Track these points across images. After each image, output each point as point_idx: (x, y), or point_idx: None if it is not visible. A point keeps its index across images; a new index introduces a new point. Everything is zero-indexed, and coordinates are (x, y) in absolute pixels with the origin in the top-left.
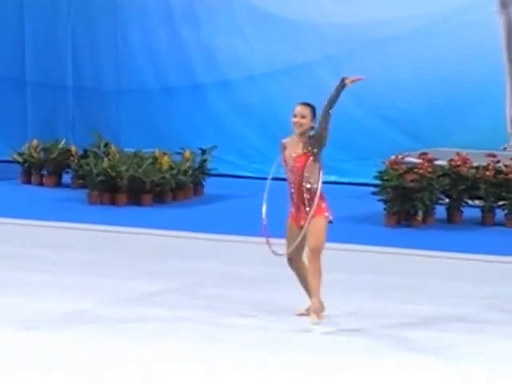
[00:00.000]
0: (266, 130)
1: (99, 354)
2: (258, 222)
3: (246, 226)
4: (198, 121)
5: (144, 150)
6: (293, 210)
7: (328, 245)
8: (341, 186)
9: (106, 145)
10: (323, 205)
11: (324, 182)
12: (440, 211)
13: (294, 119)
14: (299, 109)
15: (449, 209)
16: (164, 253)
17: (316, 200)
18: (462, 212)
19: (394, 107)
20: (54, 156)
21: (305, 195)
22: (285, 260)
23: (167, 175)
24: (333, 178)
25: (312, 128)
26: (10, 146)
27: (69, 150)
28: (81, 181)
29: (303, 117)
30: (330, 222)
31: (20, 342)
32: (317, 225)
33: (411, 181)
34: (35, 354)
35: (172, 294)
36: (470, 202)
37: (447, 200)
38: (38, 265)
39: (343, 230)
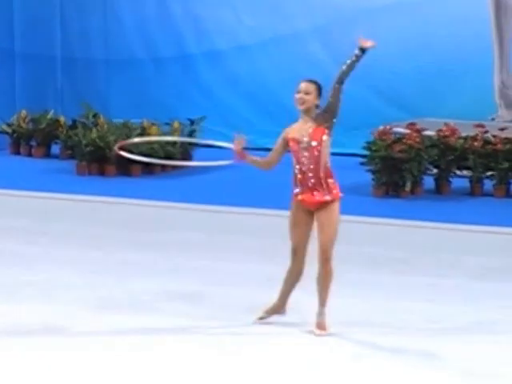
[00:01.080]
0: (254, 101)
1: (91, 324)
2: (246, 192)
3: (235, 196)
4: (187, 91)
5: (133, 121)
6: (302, 193)
7: None
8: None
9: (95, 115)
10: (335, 184)
11: None
12: (428, 182)
13: (297, 95)
14: (304, 85)
15: (437, 179)
16: (153, 223)
17: (330, 180)
18: (450, 182)
19: (382, 78)
20: (42, 127)
21: (321, 174)
22: (275, 232)
23: (156, 146)
24: None
25: (317, 106)
26: None
27: (57, 121)
28: (69, 151)
29: (307, 93)
30: None
31: (4, 314)
32: (333, 214)
33: (399, 151)
34: (21, 325)
35: (161, 264)
36: (458, 172)
37: (435, 170)
38: (27, 236)
39: None
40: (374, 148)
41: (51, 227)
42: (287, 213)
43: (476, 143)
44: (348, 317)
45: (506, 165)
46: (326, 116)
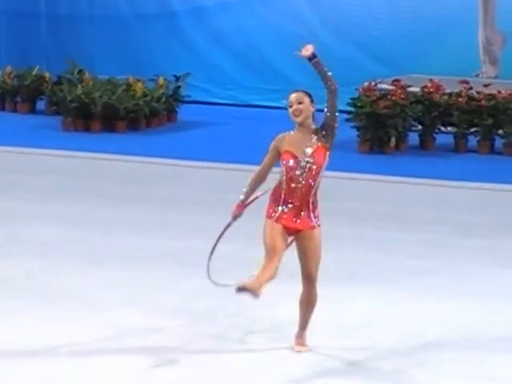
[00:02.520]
0: (239, 58)
1: (76, 278)
2: (231, 148)
3: (220, 152)
4: (172, 48)
5: (118, 77)
6: (283, 214)
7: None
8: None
9: (80, 71)
10: (318, 210)
11: None
12: (413, 138)
13: (290, 109)
14: (293, 96)
15: (422, 135)
16: (138, 179)
17: (316, 207)
18: (434, 139)
19: (367, 34)
20: (27, 83)
21: (310, 199)
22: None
23: (141, 102)
24: None
25: (313, 115)
26: None
27: (43, 77)
28: (55, 107)
29: (300, 102)
30: None
31: None
32: (317, 241)
33: (384, 107)
34: (5, 280)
35: (145, 220)
36: (442, 128)
37: (420, 127)
38: (12, 191)
39: None
40: (358, 104)
41: (36, 183)
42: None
43: (460, 99)
44: (334, 272)
45: (490, 121)
46: (325, 136)
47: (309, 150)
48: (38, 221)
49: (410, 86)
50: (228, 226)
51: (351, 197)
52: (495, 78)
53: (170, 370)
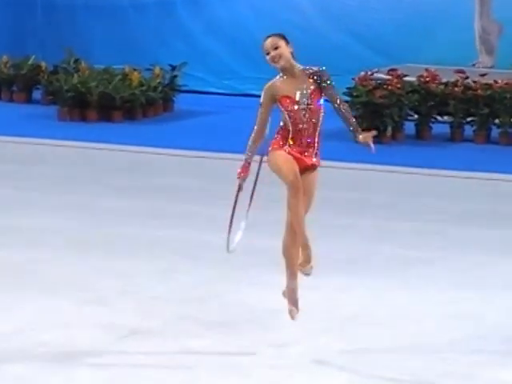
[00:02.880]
0: (235, 47)
1: (72, 266)
2: (227, 137)
3: (216, 141)
4: (168, 37)
5: (114, 67)
6: (293, 148)
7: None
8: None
9: (76, 61)
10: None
11: None
12: (409, 127)
13: (268, 57)
14: (268, 42)
15: (418, 125)
16: (134, 169)
17: (319, 146)
18: (431, 128)
19: (363, 24)
20: (24, 72)
21: (317, 139)
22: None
23: (137, 91)
24: None
25: (292, 54)
26: None
27: (39, 66)
28: (51, 97)
29: (276, 47)
30: None
31: None
32: (315, 179)
33: (380, 97)
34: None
35: (142, 209)
36: (439, 118)
37: (416, 116)
38: (7, 181)
39: None
40: (355, 94)
41: (32, 172)
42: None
43: (456, 89)
44: (329, 261)
45: (486, 110)
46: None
47: (304, 92)
48: (34, 210)
49: (406, 76)
50: (239, 190)
51: (347, 186)
52: (492, 67)
53: (165, 356)
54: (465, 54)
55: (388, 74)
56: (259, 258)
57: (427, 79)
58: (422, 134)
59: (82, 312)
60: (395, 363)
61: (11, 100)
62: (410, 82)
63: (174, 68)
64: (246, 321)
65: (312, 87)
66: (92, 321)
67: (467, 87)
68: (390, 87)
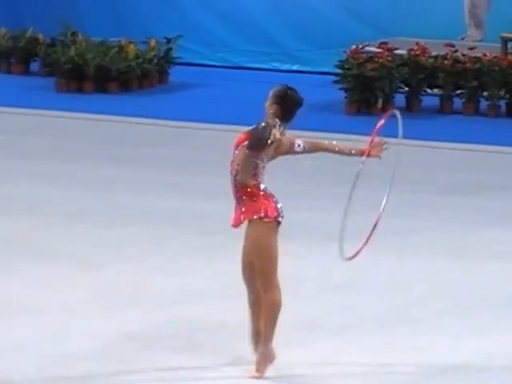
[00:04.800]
0: (229, 20)
1: (70, 236)
2: (221, 109)
3: (210, 113)
4: (164, 10)
5: (110, 39)
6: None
7: (290, 132)
8: (303, 75)
9: (73, 34)
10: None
11: (286, 71)
12: (399, 99)
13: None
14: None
15: (408, 97)
16: (130, 139)
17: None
18: (420, 100)
19: None
20: (21, 44)
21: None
22: None
23: (133, 63)
24: (295, 67)
25: (276, 116)
26: None
27: (36, 39)
28: (48, 69)
29: (267, 100)
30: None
31: None
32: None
33: (371, 70)
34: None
35: (137, 179)
36: (428, 90)
37: (406, 89)
38: (4, 151)
39: (305, 118)
40: (346, 66)
41: (31, 143)
42: None
43: (446, 62)
44: (321, 232)
45: (474, 83)
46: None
47: (241, 134)
48: (32, 179)
49: (396, 49)
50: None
51: (338, 157)
52: (480, 41)
53: (154, 327)
54: (454, 28)
55: (379, 47)
56: None
57: (417, 52)
58: (411, 106)
59: (76, 281)
60: (384, 331)
61: (9, 72)
62: (400, 55)
63: (169, 41)
64: None
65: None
66: (86, 292)
67: (456, 60)
68: (380, 60)
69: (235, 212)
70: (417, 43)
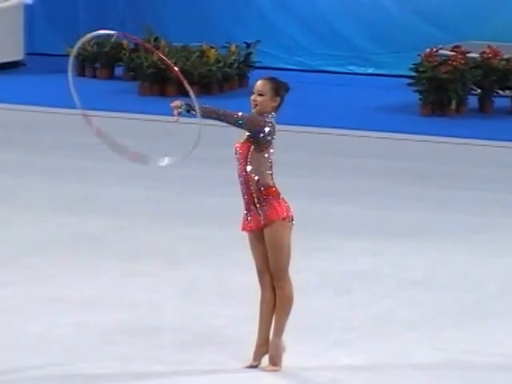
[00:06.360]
0: (307, 25)
1: (150, 233)
2: (300, 111)
3: (289, 114)
4: (243, 16)
5: (192, 44)
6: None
7: (365, 133)
8: (378, 78)
9: (156, 39)
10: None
11: (362, 74)
12: (472, 101)
13: (252, 96)
14: (258, 84)
15: (481, 99)
16: (212, 141)
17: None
18: (493, 102)
19: (427, 2)
20: (106, 50)
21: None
22: None
23: (214, 68)
24: (370, 70)
25: (276, 109)
26: (64, 41)
27: (121, 44)
28: (132, 73)
29: (261, 94)
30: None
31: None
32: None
33: (445, 72)
34: (85, 235)
35: (216, 179)
36: (500, 92)
37: (479, 90)
38: (92, 151)
39: (381, 120)
40: (421, 69)
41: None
42: None
43: None
44: (395, 228)
45: None
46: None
47: (238, 144)
48: (113, 178)
49: (469, 52)
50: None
51: (413, 157)
52: None
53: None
54: None
55: (452, 50)
56: None
57: (489, 55)
58: (484, 108)
59: (160, 278)
60: (461, 326)
61: (95, 76)
62: (473, 58)
63: (248, 45)
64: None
65: (245, 139)
66: (171, 289)
67: None
68: (454, 63)
69: (251, 216)
70: (489, 46)
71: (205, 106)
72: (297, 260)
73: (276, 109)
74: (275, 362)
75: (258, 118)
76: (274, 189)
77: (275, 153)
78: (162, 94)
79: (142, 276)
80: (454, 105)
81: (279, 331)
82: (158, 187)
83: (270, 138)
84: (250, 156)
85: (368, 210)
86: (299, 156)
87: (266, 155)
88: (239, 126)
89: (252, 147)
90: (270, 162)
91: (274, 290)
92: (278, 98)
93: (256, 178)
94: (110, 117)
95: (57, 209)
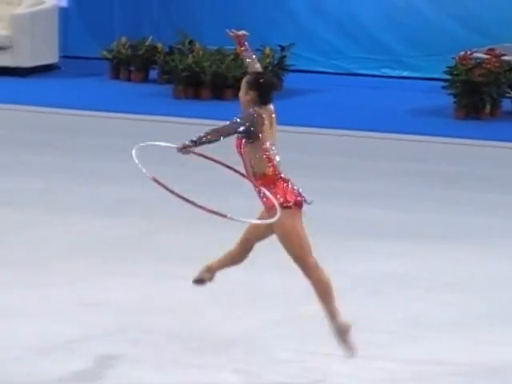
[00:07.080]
0: (341, 28)
1: (187, 236)
2: (335, 114)
3: (325, 118)
4: (277, 19)
5: (226, 47)
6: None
7: (401, 136)
8: (412, 81)
9: (191, 42)
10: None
11: (396, 77)
12: (507, 104)
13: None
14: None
15: None
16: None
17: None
18: None
19: (461, 5)
20: (141, 53)
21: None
22: None
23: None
24: (405, 74)
25: (254, 102)
26: (99, 44)
27: (155, 48)
28: (166, 76)
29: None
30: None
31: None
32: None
33: (479, 75)
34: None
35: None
36: None
37: None
38: (127, 154)
39: (415, 123)
40: (455, 72)
41: (151, 147)
42: None
43: None
44: (429, 231)
45: None
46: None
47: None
48: (150, 182)
49: (504, 55)
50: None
51: (448, 160)
52: None
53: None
54: None
55: (487, 53)
56: None
57: None
58: None
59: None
60: (495, 328)
61: (129, 79)
62: (507, 61)
63: (283, 48)
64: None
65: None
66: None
67: None
68: (488, 66)
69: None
70: None
71: (203, 133)
72: (329, 263)
73: (254, 103)
74: (347, 346)
75: (247, 111)
76: (270, 174)
77: (313, 155)
78: (197, 97)
79: (178, 279)
80: (488, 108)
81: (332, 315)
82: (194, 190)
83: (253, 128)
84: (244, 150)
85: (401, 213)
86: (336, 159)
87: (260, 145)
88: (239, 125)
89: (243, 141)
90: (267, 152)
91: (245, 249)
92: (252, 92)
93: (254, 169)
94: (144, 120)
95: (94, 211)
